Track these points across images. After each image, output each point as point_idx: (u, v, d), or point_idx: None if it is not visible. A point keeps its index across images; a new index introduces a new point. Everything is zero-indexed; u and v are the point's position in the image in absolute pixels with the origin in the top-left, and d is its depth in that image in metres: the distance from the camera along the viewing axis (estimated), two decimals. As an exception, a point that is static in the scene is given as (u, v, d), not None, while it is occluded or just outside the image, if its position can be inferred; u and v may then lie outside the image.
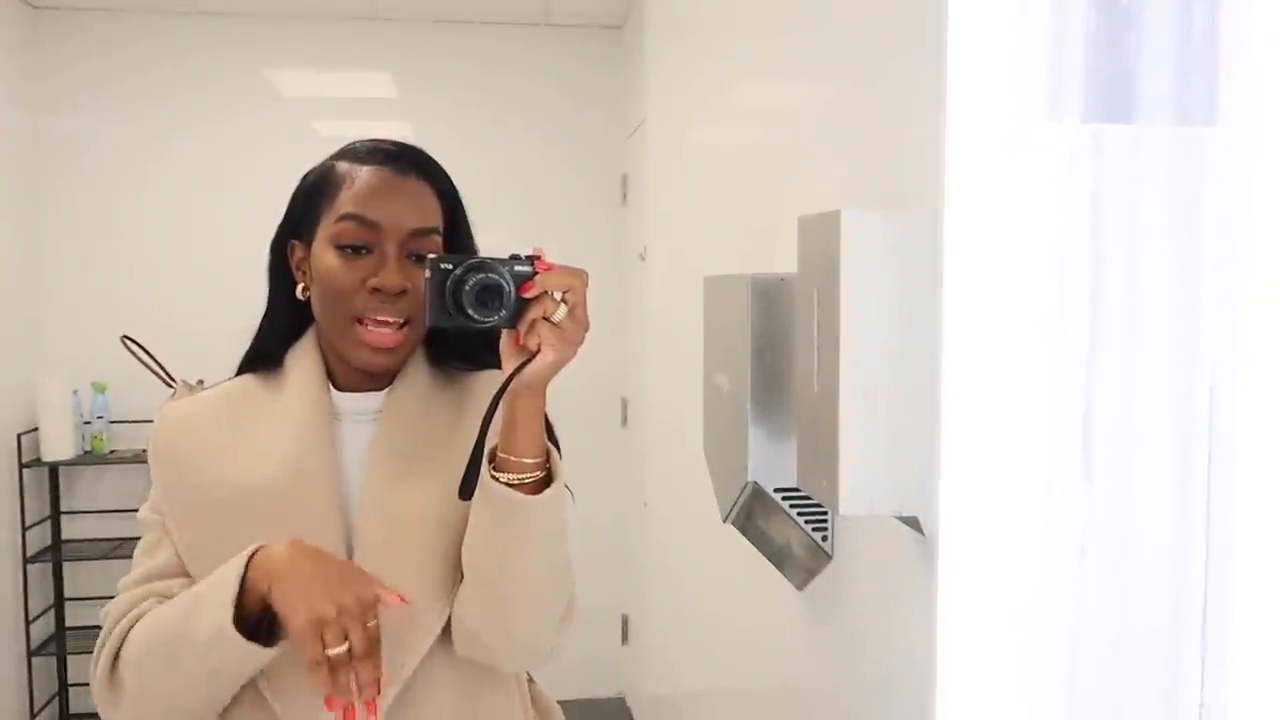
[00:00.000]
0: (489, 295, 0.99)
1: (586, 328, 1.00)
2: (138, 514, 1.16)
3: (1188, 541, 0.70)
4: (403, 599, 1.02)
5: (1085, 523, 0.65)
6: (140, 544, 1.16)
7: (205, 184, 3.79)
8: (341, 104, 3.94)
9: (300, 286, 1.17)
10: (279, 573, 1.00)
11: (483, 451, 1.01)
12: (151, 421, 1.20)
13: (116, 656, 1.08)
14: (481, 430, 1.00)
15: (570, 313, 0.98)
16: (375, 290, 1.10)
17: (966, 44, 0.61)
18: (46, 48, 3.72)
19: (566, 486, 1.08)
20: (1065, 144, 0.63)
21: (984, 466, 0.67)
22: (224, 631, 0.99)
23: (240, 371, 1.22)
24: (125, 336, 2.84)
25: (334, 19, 3.85)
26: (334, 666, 0.96)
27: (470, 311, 0.99)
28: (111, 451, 3.62)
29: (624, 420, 3.99)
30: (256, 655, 1.00)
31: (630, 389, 3.85)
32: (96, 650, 1.10)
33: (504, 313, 0.99)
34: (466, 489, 1.01)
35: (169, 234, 3.79)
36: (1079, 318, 0.66)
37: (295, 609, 0.97)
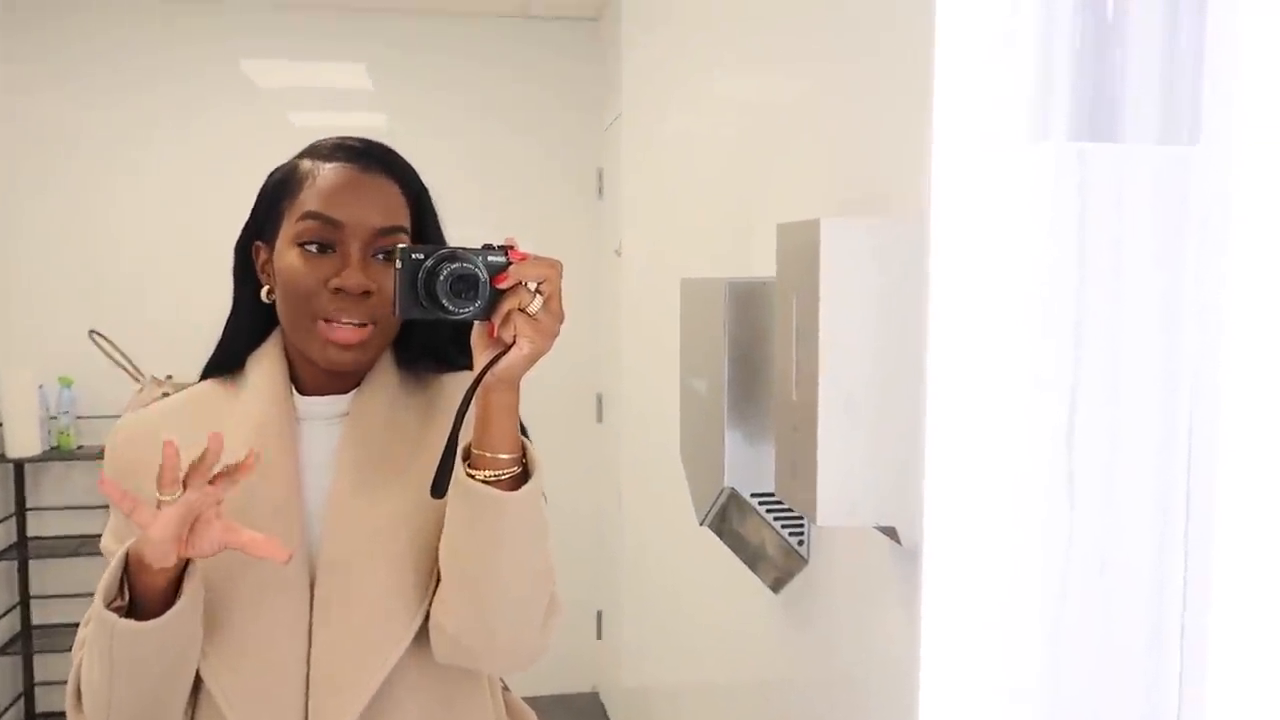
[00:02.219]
0: (464, 285, 0.96)
1: (561, 319, 0.98)
2: (101, 542, 1.14)
3: (1167, 552, 0.70)
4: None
5: (1068, 534, 0.65)
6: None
7: (179, 175, 3.74)
8: (317, 95, 3.90)
9: (265, 289, 1.14)
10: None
11: (456, 448, 0.99)
12: (120, 416, 1.17)
13: (79, 690, 1.07)
14: (455, 426, 0.98)
15: (546, 303, 0.96)
16: (338, 291, 1.07)
17: (953, 62, 0.61)
18: (19, 34, 3.65)
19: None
20: (1051, 161, 0.62)
21: (967, 478, 0.67)
22: (101, 616, 0.98)
23: (203, 377, 1.20)
24: (94, 331, 2.80)
25: (310, 9, 3.80)
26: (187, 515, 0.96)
27: (444, 302, 0.97)
28: (79, 447, 3.57)
29: (599, 416, 3.98)
30: (142, 631, 0.98)
31: (605, 385, 3.84)
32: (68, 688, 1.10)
33: (479, 303, 0.97)
34: (440, 486, 0.98)
35: (141, 226, 3.73)
36: (1063, 331, 0.66)
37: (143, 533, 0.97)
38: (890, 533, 1.01)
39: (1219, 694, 0.71)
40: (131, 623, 0.99)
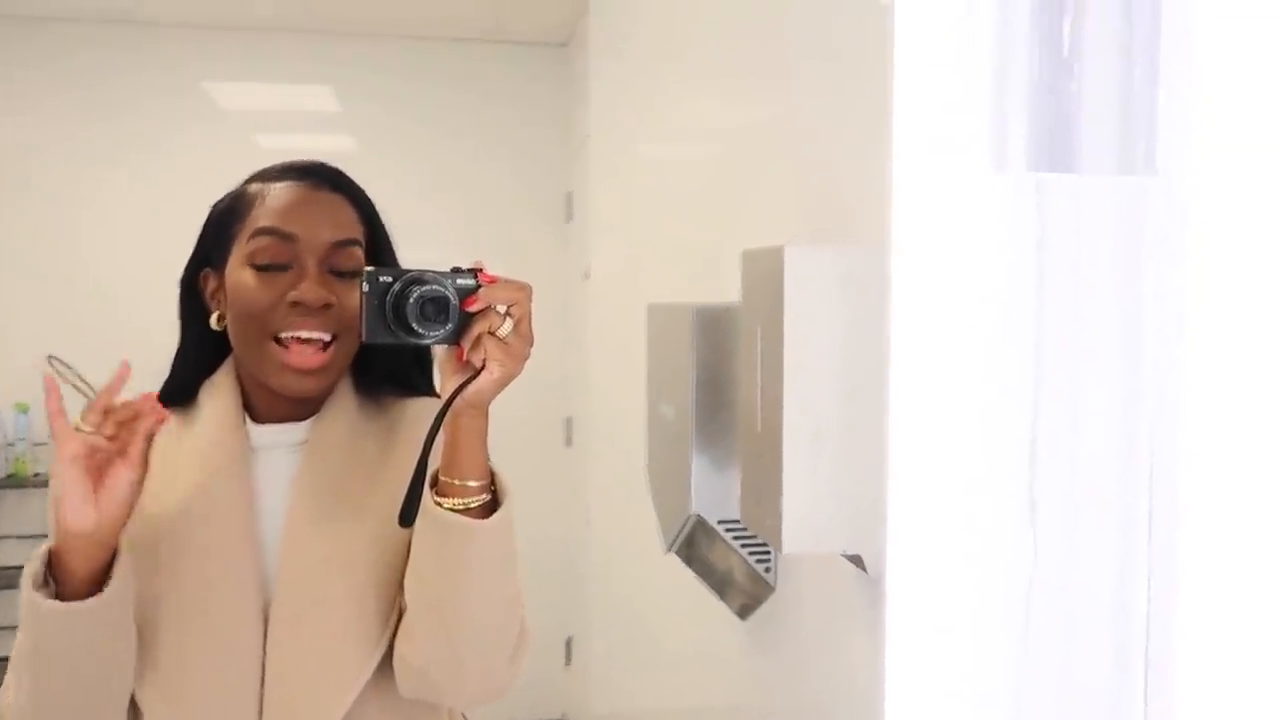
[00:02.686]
0: (434, 309, 0.95)
1: (532, 342, 0.96)
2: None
3: (1130, 573, 0.71)
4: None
5: (1031, 556, 0.65)
6: None
7: (141, 199, 3.70)
8: (283, 118, 3.88)
9: (215, 316, 1.12)
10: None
11: (424, 476, 0.98)
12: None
13: None
14: (423, 453, 0.96)
15: (516, 327, 0.95)
16: (295, 304, 1.05)
17: (912, 93, 0.61)
18: (-23, 58, 3.61)
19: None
20: (1009, 192, 0.63)
21: (929, 503, 0.67)
22: (30, 599, 0.94)
23: None
24: (51, 356, 2.76)
25: (276, 31, 3.79)
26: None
27: (414, 325, 0.95)
28: (35, 474, 3.50)
29: (568, 440, 3.96)
30: (71, 613, 0.94)
31: (574, 408, 3.83)
32: None
33: (448, 327, 0.95)
34: (408, 515, 0.96)
35: (102, 250, 3.69)
36: (1024, 358, 0.66)
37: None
38: (856, 560, 1.01)
39: (1185, 714, 0.71)
40: (58, 603, 0.94)
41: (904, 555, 0.64)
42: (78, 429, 0.95)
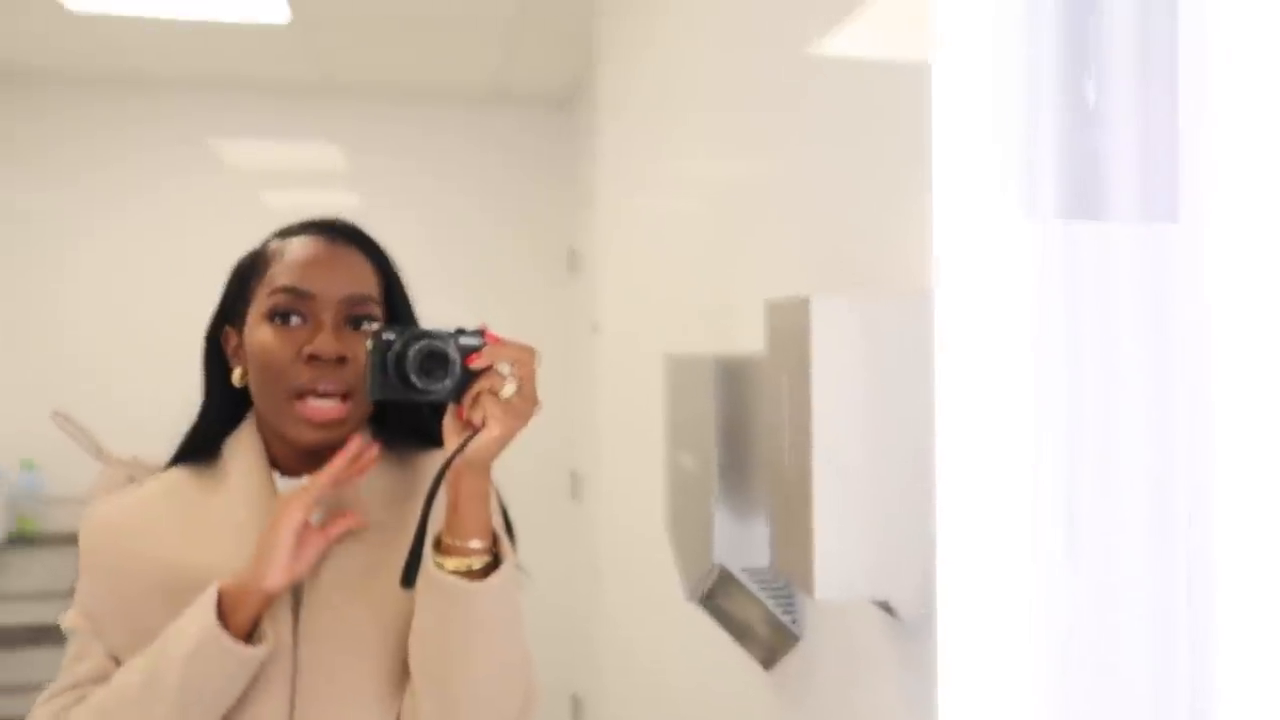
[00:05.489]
0: (434, 363, 0.96)
1: (535, 404, 0.97)
2: (62, 622, 1.12)
3: (1171, 621, 0.71)
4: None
5: (1071, 604, 0.66)
6: (68, 653, 1.10)
7: (147, 255, 3.74)
8: (289, 175, 3.93)
9: (238, 372, 1.14)
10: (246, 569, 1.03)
11: (424, 536, 0.98)
12: (85, 501, 1.16)
13: None
14: (424, 513, 0.97)
15: (519, 388, 0.96)
16: (312, 358, 1.06)
17: (948, 147, 0.63)
18: (-12, 116, 3.67)
19: (519, 567, 1.05)
20: (1040, 239, 0.65)
21: (972, 551, 0.68)
22: (212, 635, 0.98)
23: (173, 463, 1.18)
24: (57, 412, 2.77)
25: (283, 90, 3.85)
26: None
27: (414, 380, 0.96)
28: (40, 533, 3.48)
29: (574, 493, 3.96)
30: (243, 655, 0.99)
31: (581, 462, 3.83)
32: None
33: (448, 382, 0.96)
34: (408, 577, 0.98)
35: (108, 306, 3.71)
36: (1057, 403, 0.68)
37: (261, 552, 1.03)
38: (885, 606, 1.02)
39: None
40: (248, 648, 0.99)
41: (953, 603, 0.65)
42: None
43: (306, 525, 1.04)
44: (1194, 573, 0.67)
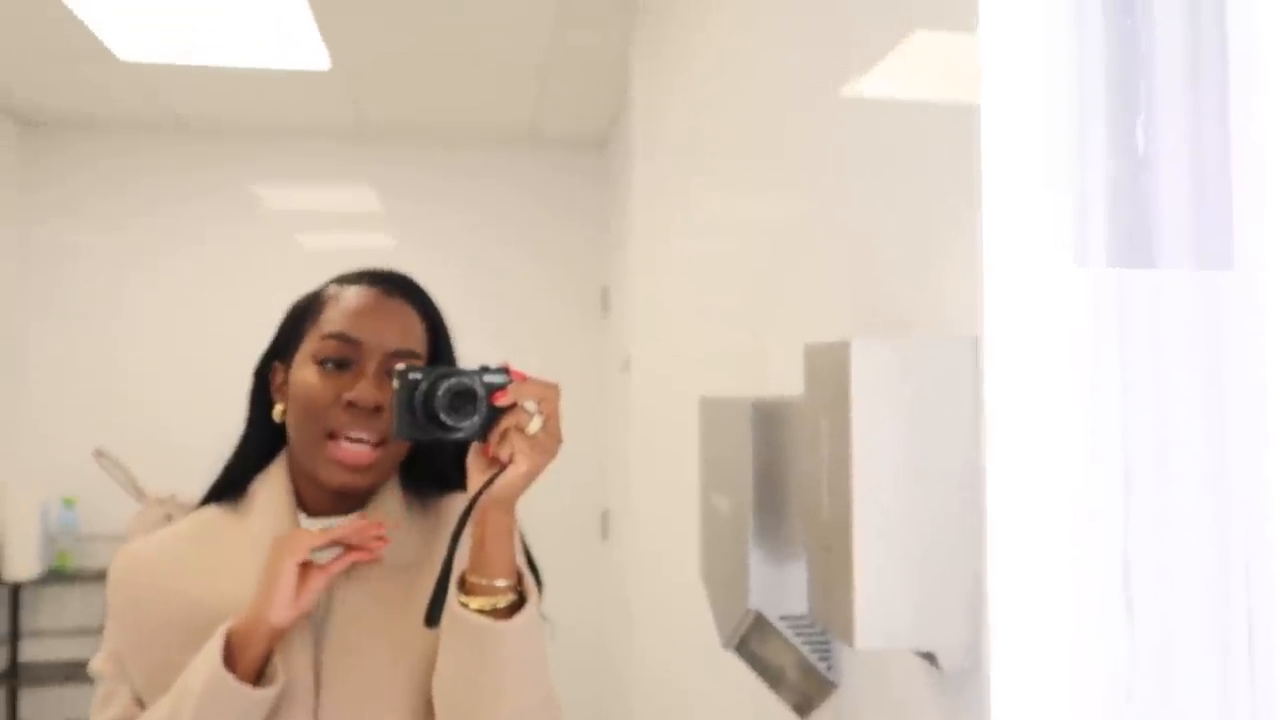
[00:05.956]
0: (462, 401, 0.97)
1: (560, 440, 0.98)
2: (90, 666, 1.12)
3: (1230, 677, 0.69)
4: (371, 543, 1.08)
5: (1129, 665, 0.64)
6: (96, 696, 1.11)
7: (189, 297, 3.80)
8: (326, 218, 3.99)
9: (279, 408, 1.15)
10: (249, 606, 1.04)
11: (449, 574, 0.98)
12: (122, 538, 1.18)
13: None
14: (450, 551, 0.97)
15: (545, 425, 0.96)
16: (350, 405, 1.08)
17: (998, 193, 0.63)
18: (37, 163, 3.76)
19: (543, 615, 1.05)
20: (1090, 286, 0.64)
21: (1023, 602, 0.66)
22: (219, 676, 0.97)
23: (205, 501, 1.20)
24: (98, 450, 2.80)
25: (320, 135, 3.92)
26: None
27: (443, 418, 0.97)
28: (78, 568, 3.51)
29: (604, 533, 3.94)
30: (253, 697, 0.99)
31: (612, 501, 3.81)
32: None
33: (476, 419, 0.97)
34: (433, 616, 0.97)
35: (151, 347, 3.77)
36: (1109, 452, 0.66)
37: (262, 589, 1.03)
38: (928, 657, 0.99)
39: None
40: (258, 690, 0.99)
41: (1005, 654, 0.63)
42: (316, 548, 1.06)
43: (309, 562, 1.04)
44: (1254, 626, 0.65)
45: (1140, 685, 0.65)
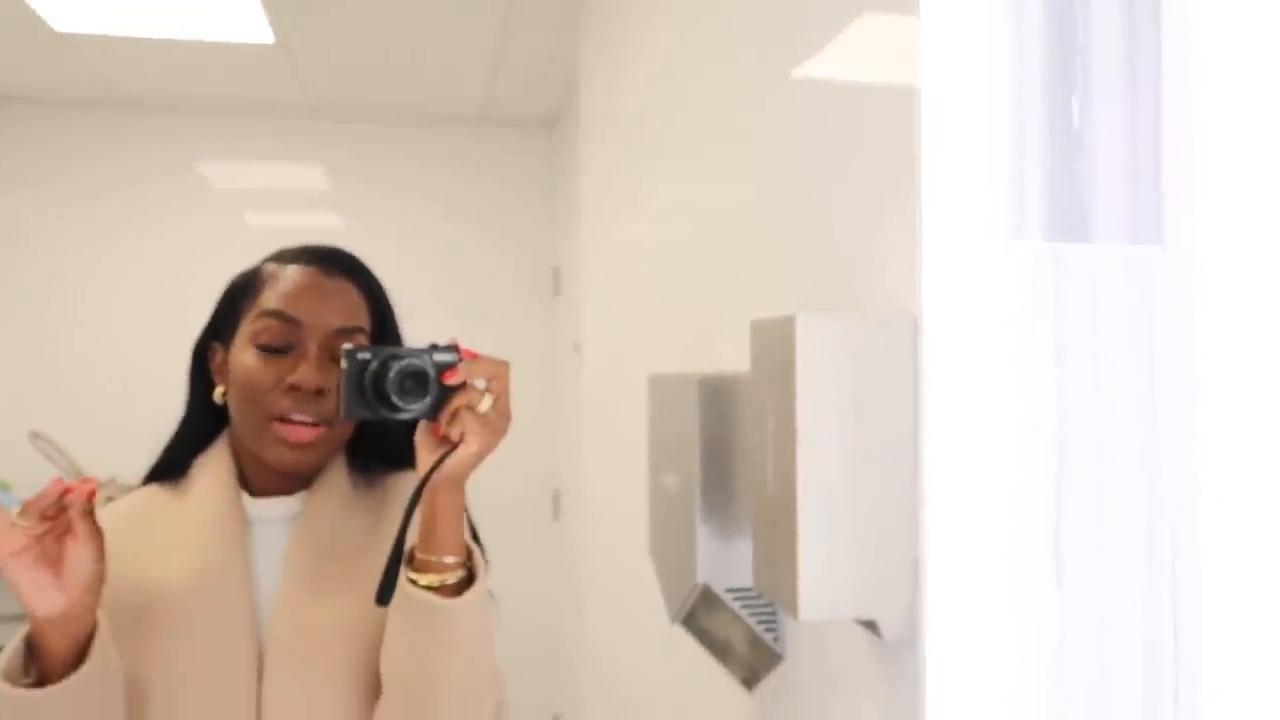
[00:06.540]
0: (414, 383, 0.96)
1: (509, 418, 0.98)
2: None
3: (1158, 643, 0.72)
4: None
5: (1060, 634, 0.66)
6: None
7: (129, 277, 3.72)
8: (274, 196, 3.92)
9: (219, 390, 1.14)
10: None
11: (401, 553, 0.98)
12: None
13: None
14: (401, 530, 0.97)
15: (495, 403, 0.96)
16: (292, 388, 1.07)
17: (936, 169, 0.64)
18: (-34, 138, 3.65)
19: (490, 593, 1.05)
20: (1027, 260, 0.66)
21: (959, 571, 0.68)
22: (6, 695, 0.93)
23: (146, 481, 1.18)
24: (34, 432, 2.75)
25: (268, 114, 3.85)
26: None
27: (394, 399, 0.96)
28: (15, 553, 3.44)
29: (555, 514, 3.94)
30: (41, 700, 0.93)
31: (563, 481, 3.82)
32: None
33: (427, 400, 0.96)
34: (385, 594, 0.97)
35: (90, 327, 3.68)
36: (1043, 424, 0.68)
37: None
38: (871, 626, 1.01)
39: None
40: (22, 690, 0.92)
41: (941, 622, 0.65)
42: (14, 524, 0.94)
43: (40, 541, 0.94)
44: (1180, 594, 0.67)
45: (1070, 653, 0.67)
